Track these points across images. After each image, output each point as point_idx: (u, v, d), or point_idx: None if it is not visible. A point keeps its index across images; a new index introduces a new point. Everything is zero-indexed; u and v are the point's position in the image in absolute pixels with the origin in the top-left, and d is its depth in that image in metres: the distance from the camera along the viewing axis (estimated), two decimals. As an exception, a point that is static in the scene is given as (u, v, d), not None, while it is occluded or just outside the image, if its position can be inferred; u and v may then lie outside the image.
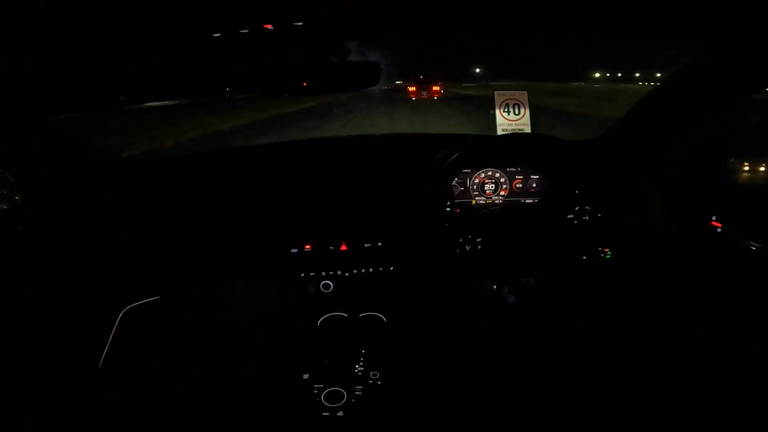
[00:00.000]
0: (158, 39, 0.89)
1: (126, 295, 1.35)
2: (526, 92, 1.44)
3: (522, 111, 1.43)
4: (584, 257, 1.36)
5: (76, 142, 1.30)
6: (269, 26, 0.82)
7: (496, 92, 1.42)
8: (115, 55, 0.98)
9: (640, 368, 1.34)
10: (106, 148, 1.42)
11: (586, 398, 1.26)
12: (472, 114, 12.32)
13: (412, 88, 19.85)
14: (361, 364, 1.22)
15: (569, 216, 1.35)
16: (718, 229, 1.17)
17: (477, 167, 1.43)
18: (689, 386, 1.25)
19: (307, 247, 1.33)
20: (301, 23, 0.83)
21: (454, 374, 1.33)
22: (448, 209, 1.40)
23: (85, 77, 1.22)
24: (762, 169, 1.24)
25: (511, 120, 1.43)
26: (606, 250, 1.37)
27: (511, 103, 1.43)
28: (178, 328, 1.45)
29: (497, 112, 1.41)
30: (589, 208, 1.35)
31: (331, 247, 1.34)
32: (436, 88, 19.55)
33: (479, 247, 1.33)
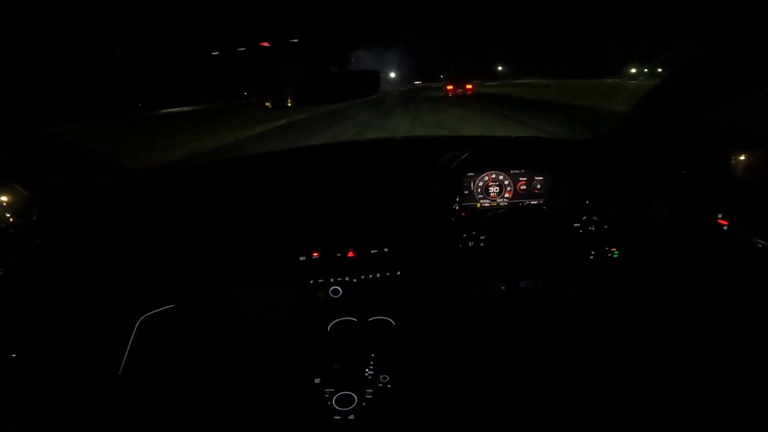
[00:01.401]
0: (158, 52, 0.91)
1: (142, 303, 1.38)
2: None
3: None
4: (590, 257, 1.36)
5: (83, 154, 1.32)
6: (266, 44, 0.85)
7: None
8: (115, 65, 1.00)
9: (647, 365, 1.33)
10: (113, 159, 1.45)
11: (595, 396, 1.26)
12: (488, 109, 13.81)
13: (449, 87, 25.27)
14: (371, 367, 1.24)
15: (576, 225, 1.36)
16: (725, 227, 1.15)
17: (481, 170, 1.43)
18: (695, 381, 1.24)
19: (315, 254, 1.36)
20: (296, 40, 0.85)
21: (462, 376, 1.34)
22: (453, 212, 1.42)
23: (86, 87, 1.22)
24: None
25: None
26: (613, 249, 1.36)
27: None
28: (193, 334, 1.48)
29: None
30: (596, 218, 1.35)
31: (338, 254, 1.37)
32: (469, 86, 25.04)
33: (482, 245, 1.34)
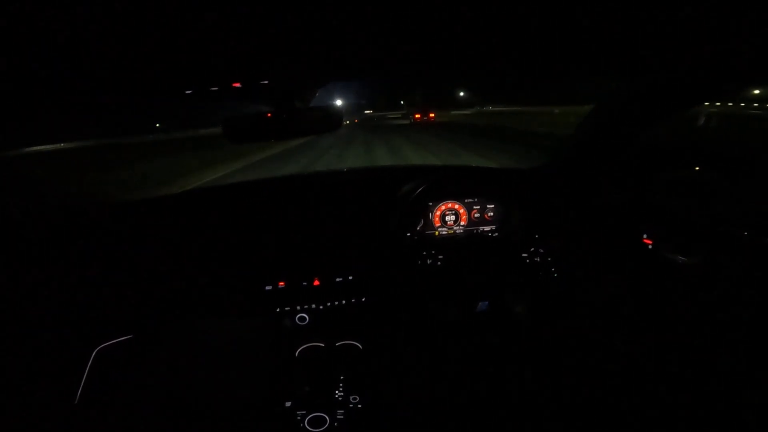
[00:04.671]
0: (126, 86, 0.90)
1: (100, 333, 1.34)
2: None
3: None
4: (537, 278, 1.48)
5: (37, 182, 1.29)
6: (237, 84, 0.90)
7: None
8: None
9: (596, 379, 1.43)
10: (69, 187, 1.42)
11: (553, 407, 1.34)
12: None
13: (417, 116, 31.28)
14: (341, 389, 1.27)
15: (524, 255, 1.48)
16: (649, 246, 1.30)
17: (438, 200, 1.52)
18: (632, 388, 1.34)
19: (281, 284, 1.38)
20: (266, 81, 0.91)
21: (428, 393, 1.39)
22: (413, 241, 1.49)
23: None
24: (684, 181, 1.35)
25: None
26: (556, 271, 1.49)
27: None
28: (155, 363, 1.43)
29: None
30: (542, 250, 1.47)
31: (304, 283, 1.39)
32: (432, 115, 30.99)
33: (440, 264, 1.43)
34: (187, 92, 0.90)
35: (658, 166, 1.44)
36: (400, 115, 43.46)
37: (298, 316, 1.40)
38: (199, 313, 1.41)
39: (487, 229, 1.56)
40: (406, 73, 1.09)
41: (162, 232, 1.40)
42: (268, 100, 1.11)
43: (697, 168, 1.33)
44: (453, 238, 1.54)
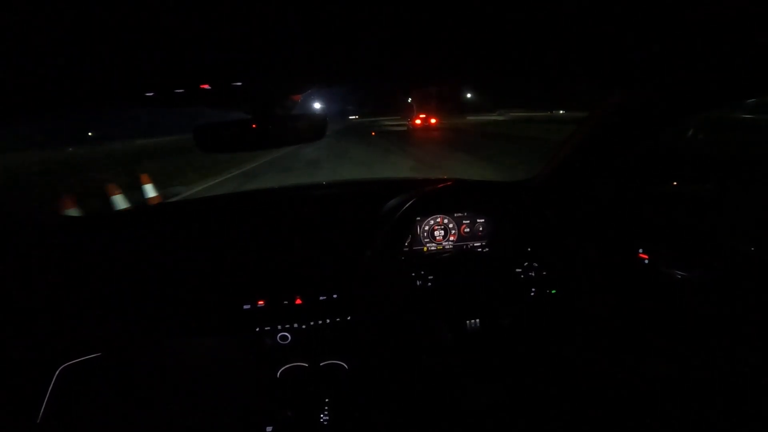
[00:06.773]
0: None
1: (65, 350, 1.26)
2: None
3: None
4: (530, 295, 1.42)
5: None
6: (206, 86, 0.82)
7: None
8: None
9: (584, 397, 1.39)
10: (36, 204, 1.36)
11: (550, 425, 1.32)
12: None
13: (417, 121, 29.40)
14: (326, 412, 1.21)
15: (518, 270, 1.43)
16: (645, 261, 1.25)
17: (426, 215, 1.47)
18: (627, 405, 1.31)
19: (260, 302, 1.30)
20: (239, 83, 0.83)
21: (417, 414, 1.34)
22: (401, 257, 1.43)
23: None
24: (677, 195, 1.33)
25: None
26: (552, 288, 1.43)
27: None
28: (127, 384, 1.35)
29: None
30: (537, 265, 1.43)
31: (285, 302, 1.32)
32: (433, 121, 29.42)
33: (430, 285, 1.37)
34: (147, 95, 0.81)
35: (650, 178, 1.40)
36: (406, 121, 32.87)
37: (280, 335, 1.32)
38: (173, 332, 1.32)
39: (477, 244, 1.51)
40: (407, 77, 1.00)
41: (133, 245, 1.32)
42: (244, 106, 1.05)
43: (675, 183, 1.31)
44: (442, 254, 1.47)
